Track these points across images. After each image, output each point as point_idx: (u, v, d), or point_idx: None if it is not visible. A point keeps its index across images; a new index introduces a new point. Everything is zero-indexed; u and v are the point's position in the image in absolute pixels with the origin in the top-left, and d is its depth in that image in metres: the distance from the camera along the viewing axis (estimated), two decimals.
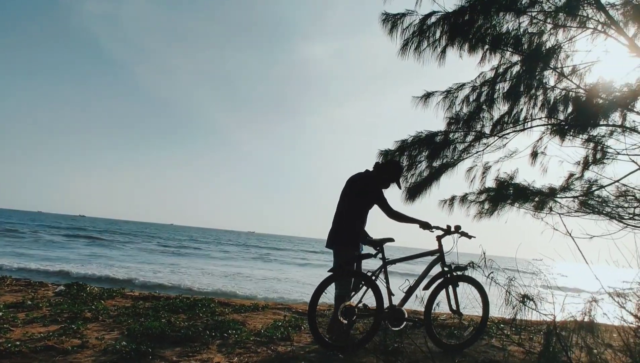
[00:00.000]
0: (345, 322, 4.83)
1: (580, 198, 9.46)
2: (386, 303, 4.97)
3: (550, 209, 9.64)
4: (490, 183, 9.98)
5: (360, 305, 4.92)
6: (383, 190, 5.39)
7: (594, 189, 9.18)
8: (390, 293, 5.00)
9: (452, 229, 5.35)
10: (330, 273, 4.90)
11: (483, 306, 5.41)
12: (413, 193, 9.95)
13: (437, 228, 5.32)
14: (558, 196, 9.64)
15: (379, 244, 5.01)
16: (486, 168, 10.01)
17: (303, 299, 14.21)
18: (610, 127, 8.67)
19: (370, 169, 5.51)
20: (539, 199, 9.57)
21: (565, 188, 9.58)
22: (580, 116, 8.23)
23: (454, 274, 5.23)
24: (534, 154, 9.56)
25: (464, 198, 10.26)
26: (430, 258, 5.31)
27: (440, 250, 5.28)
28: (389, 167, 5.41)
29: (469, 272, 5.24)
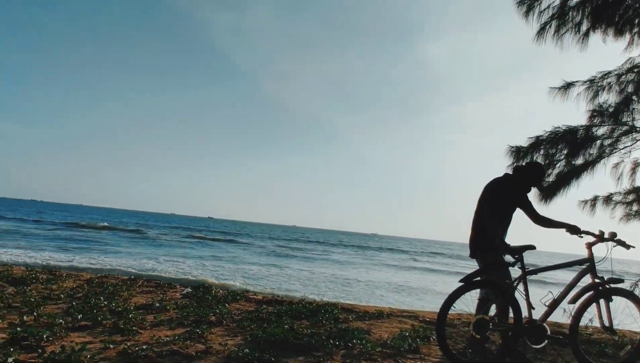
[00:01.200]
0: (478, 336, 4.36)
1: None
2: (525, 317, 4.42)
3: None
4: None
5: (495, 318, 4.43)
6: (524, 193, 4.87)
7: None
8: (530, 306, 4.43)
9: (607, 236, 4.64)
10: (460, 284, 4.44)
11: None
12: (549, 193, 9.16)
13: (587, 233, 4.66)
14: None
15: (518, 252, 4.45)
16: (636, 165, 8.98)
17: (431, 307, 13.62)
18: None
19: (509, 172, 5.04)
20: None
21: None
22: None
23: (608, 286, 4.52)
24: None
25: (608, 199, 9.28)
26: (578, 268, 4.65)
27: (590, 258, 4.59)
28: (531, 169, 4.88)
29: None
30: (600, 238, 4.60)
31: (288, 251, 37.52)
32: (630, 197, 9.14)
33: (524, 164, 5.31)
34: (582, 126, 8.56)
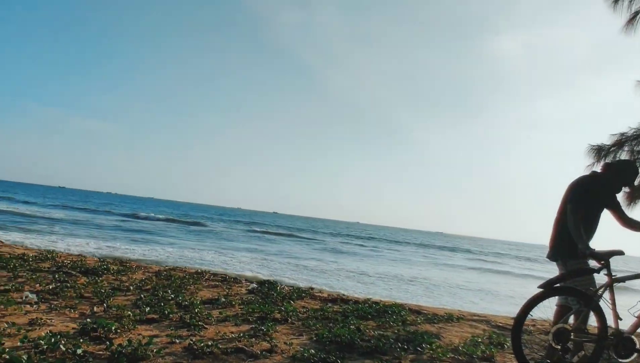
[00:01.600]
0: (558, 346, 4.04)
1: None
2: (611, 328, 4.07)
3: None
4: None
5: (577, 327, 4.10)
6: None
7: None
8: (617, 317, 4.06)
9: None
10: (540, 290, 4.12)
11: None
12: (635, 195, 8.57)
13: None
14: None
15: (604, 257, 4.08)
16: None
17: (502, 310, 13.09)
18: None
19: (597, 170, 4.67)
20: None
21: None
22: None
23: None
24: None
25: None
26: None
27: None
28: (624, 167, 4.47)
29: None
30: None
31: (349, 248, 37.29)
32: None
33: (615, 161, 4.89)
34: None
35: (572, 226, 4.31)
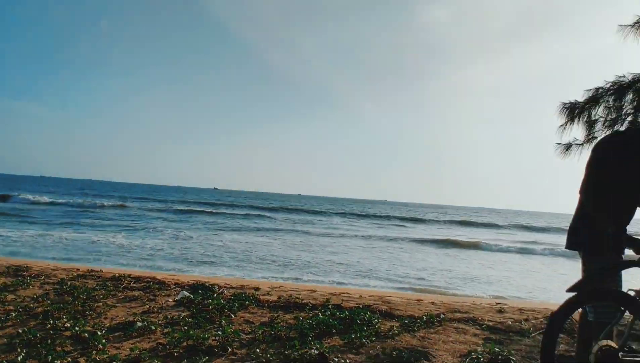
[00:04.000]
0: None
1: None
2: None
3: None
4: None
5: (625, 346, 2.98)
6: None
7: None
8: None
9: None
10: (572, 293, 2.94)
11: None
12: None
13: None
14: None
15: None
16: None
17: (471, 292, 12.13)
18: None
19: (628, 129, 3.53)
20: None
21: None
22: None
23: None
24: None
25: None
26: None
27: None
28: None
29: None
30: None
31: (288, 225, 35.56)
32: None
33: None
34: None
35: (593, 210, 3.14)
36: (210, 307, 5.12)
